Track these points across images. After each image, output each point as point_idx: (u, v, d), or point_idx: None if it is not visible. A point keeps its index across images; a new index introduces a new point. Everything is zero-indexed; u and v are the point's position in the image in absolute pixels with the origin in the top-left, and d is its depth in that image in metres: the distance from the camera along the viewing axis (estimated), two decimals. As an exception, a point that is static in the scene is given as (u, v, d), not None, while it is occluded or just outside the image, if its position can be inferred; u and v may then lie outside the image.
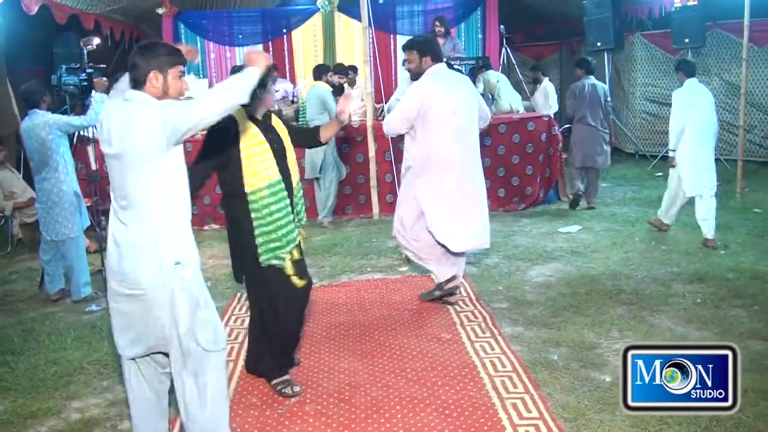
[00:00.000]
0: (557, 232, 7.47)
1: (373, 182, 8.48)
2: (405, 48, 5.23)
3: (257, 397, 3.89)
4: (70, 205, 5.84)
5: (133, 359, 3.07)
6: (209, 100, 2.85)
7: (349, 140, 8.62)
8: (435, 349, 4.41)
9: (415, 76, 5.13)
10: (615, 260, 6.27)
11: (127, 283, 2.88)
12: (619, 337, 4.50)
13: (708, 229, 6.63)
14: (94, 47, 6.29)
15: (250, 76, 2.91)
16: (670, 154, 6.93)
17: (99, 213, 6.67)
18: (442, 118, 4.93)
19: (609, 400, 3.60)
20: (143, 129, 2.75)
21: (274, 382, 3.93)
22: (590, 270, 6.00)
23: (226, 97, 2.86)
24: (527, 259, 6.43)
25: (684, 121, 6.66)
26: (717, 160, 10.55)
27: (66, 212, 5.82)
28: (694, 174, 6.70)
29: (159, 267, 2.86)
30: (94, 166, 6.01)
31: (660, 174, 10.58)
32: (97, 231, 7.49)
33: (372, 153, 8.37)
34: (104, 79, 5.98)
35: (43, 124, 5.63)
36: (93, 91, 5.87)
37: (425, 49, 5.07)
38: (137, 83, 2.91)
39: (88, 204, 7.66)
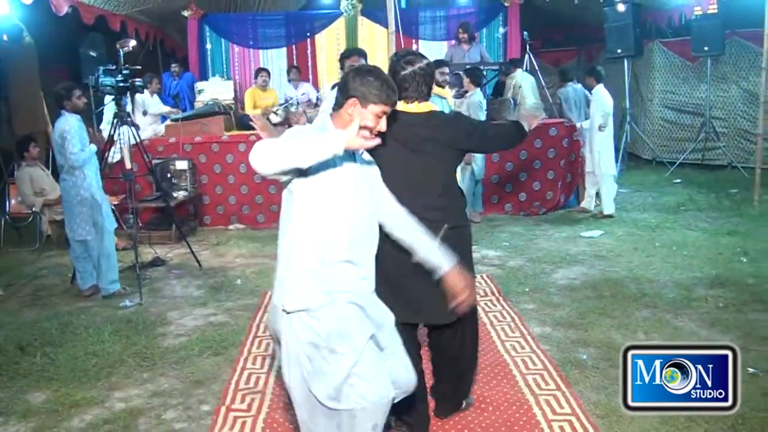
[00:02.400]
0: (579, 236, 7.57)
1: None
2: (359, 54, 5.09)
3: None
4: (88, 209, 5.90)
5: None
6: (268, 147, 2.43)
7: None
8: (466, 347, 4.51)
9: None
10: (637, 264, 6.37)
11: None
12: (645, 339, 4.60)
13: (608, 207, 8.39)
14: (131, 49, 6.39)
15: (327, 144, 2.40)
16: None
17: (128, 210, 6.75)
18: None
19: (639, 398, 3.71)
20: None
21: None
22: (614, 274, 6.10)
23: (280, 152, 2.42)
24: (551, 262, 6.53)
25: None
26: (734, 167, 10.78)
27: (84, 215, 5.90)
28: (611, 158, 8.44)
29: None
30: (129, 165, 6.13)
31: (678, 180, 10.68)
32: (124, 229, 7.66)
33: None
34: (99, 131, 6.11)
35: (61, 129, 5.76)
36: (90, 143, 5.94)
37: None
38: (337, 106, 2.70)
39: (116, 202, 7.83)
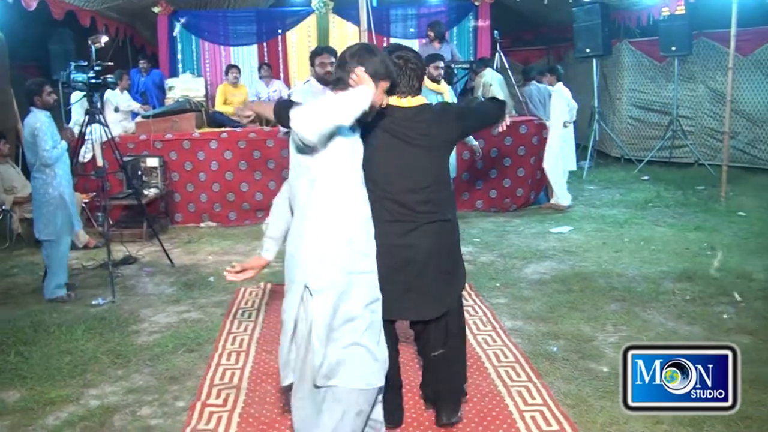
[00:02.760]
0: (549, 232, 7.67)
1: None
2: (330, 52, 5.17)
3: (272, 385, 4.03)
4: (55, 208, 5.83)
5: None
6: (308, 111, 2.54)
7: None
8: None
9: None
10: (606, 259, 6.48)
11: None
12: (613, 331, 4.71)
13: (564, 199, 8.80)
14: (102, 45, 6.30)
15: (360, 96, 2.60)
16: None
17: (98, 209, 6.70)
18: None
19: (608, 388, 3.81)
20: None
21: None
22: (583, 268, 6.20)
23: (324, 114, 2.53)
24: (522, 257, 6.62)
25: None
26: (701, 165, 10.99)
27: (50, 214, 5.83)
28: (573, 152, 8.95)
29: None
30: (100, 163, 6.09)
31: (646, 178, 10.85)
32: (95, 226, 7.62)
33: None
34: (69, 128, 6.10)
35: (32, 126, 5.70)
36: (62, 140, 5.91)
37: None
38: (339, 83, 2.80)
39: (87, 200, 7.77)
